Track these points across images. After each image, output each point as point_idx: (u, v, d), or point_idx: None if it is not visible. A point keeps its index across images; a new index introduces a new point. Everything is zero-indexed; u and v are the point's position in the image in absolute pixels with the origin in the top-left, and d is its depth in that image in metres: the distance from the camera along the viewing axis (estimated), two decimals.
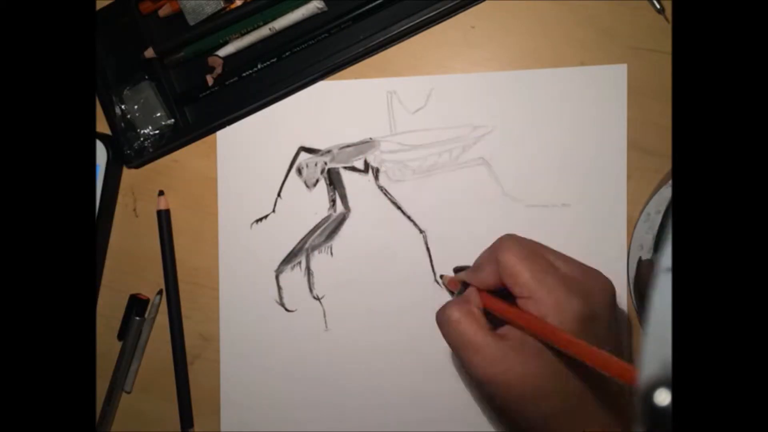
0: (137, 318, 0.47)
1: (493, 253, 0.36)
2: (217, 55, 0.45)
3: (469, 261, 0.43)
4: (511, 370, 0.33)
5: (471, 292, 0.37)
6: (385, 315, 0.45)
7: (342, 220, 0.45)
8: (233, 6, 0.44)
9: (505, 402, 0.34)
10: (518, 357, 0.33)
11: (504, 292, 0.36)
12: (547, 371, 0.33)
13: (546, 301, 0.33)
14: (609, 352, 0.30)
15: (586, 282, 0.35)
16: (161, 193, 0.47)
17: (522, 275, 0.33)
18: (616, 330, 0.36)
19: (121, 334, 0.48)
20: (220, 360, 0.47)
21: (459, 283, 0.40)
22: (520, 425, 0.35)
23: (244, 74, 0.45)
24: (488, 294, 0.36)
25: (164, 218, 0.47)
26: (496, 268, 0.35)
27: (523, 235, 0.39)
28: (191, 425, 0.47)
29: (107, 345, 0.48)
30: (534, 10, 0.43)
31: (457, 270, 0.42)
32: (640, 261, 0.40)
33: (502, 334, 0.35)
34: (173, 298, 0.47)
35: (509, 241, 0.35)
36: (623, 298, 0.42)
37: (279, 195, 0.46)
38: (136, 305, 0.47)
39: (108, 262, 0.48)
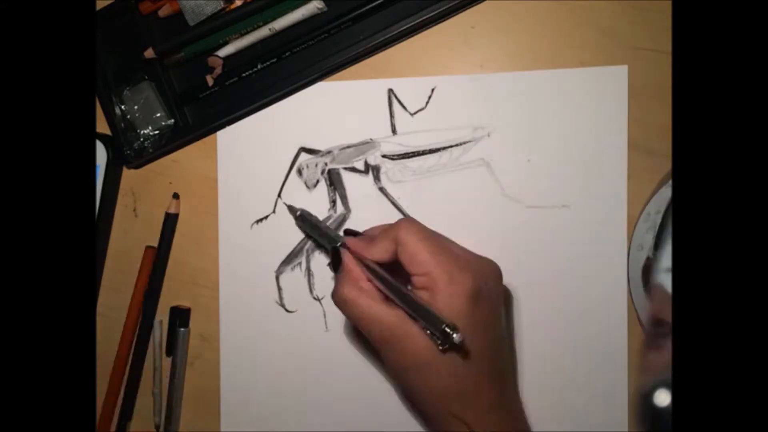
0: (182, 329, 0.47)
1: (391, 232, 0.38)
2: (217, 55, 0.45)
3: None
4: (408, 332, 0.36)
5: (352, 266, 0.39)
6: None
7: (342, 220, 0.45)
8: (233, 6, 0.44)
9: (404, 369, 0.37)
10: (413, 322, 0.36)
11: (388, 267, 0.38)
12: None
13: (441, 277, 0.36)
14: (495, 335, 0.37)
15: (476, 263, 0.38)
16: (176, 195, 0.47)
17: (421, 253, 0.36)
18: (504, 313, 0.39)
19: (170, 350, 0.47)
20: (220, 360, 0.47)
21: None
22: (421, 394, 0.37)
23: (244, 74, 0.45)
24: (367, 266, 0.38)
25: (170, 222, 0.47)
26: (391, 245, 0.38)
27: (524, 237, 0.43)
28: None
29: (107, 345, 0.48)
30: (534, 10, 0.43)
31: (347, 232, 0.42)
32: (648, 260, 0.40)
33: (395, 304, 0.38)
34: (154, 298, 0.47)
35: (409, 223, 0.38)
36: (623, 297, 0.42)
37: (279, 195, 0.46)
38: (179, 316, 0.47)
39: (108, 262, 0.48)
